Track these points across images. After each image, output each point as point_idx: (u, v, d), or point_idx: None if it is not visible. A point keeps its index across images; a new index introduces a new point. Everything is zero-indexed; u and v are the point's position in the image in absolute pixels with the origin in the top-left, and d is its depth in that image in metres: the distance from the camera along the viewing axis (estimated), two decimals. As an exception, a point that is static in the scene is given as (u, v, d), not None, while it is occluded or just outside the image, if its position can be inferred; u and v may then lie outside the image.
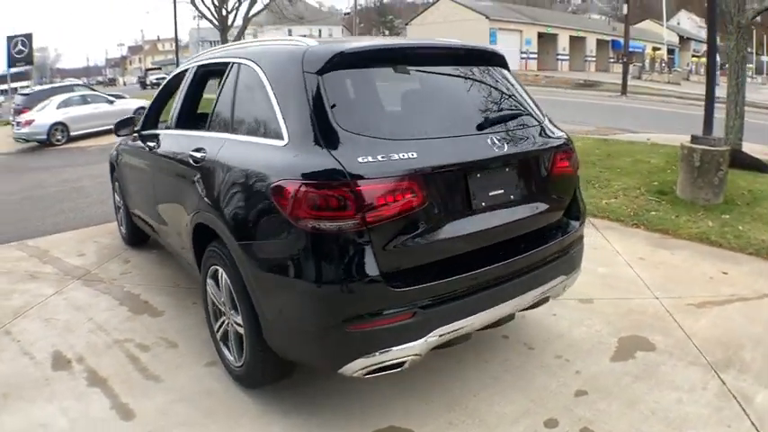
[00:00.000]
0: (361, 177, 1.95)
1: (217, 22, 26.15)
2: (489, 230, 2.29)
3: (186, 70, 3.49)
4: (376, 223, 1.96)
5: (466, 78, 2.53)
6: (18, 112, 14.64)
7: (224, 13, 26.03)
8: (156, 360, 2.88)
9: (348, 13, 49.86)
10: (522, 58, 36.50)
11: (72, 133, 13.89)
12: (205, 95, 3.64)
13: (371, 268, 1.97)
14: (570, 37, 40.32)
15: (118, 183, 4.61)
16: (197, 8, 26.11)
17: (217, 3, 26.23)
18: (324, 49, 2.26)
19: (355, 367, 2.03)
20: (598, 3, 55.99)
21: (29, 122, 13.51)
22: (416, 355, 2.08)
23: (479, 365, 2.74)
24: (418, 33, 36.57)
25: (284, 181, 2.03)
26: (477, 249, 2.27)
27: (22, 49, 21.58)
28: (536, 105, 2.72)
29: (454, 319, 2.13)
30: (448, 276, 2.11)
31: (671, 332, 3.03)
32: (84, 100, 14.67)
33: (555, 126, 2.72)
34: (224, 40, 26.21)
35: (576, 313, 3.26)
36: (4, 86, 21.88)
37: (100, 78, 68.31)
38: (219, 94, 2.81)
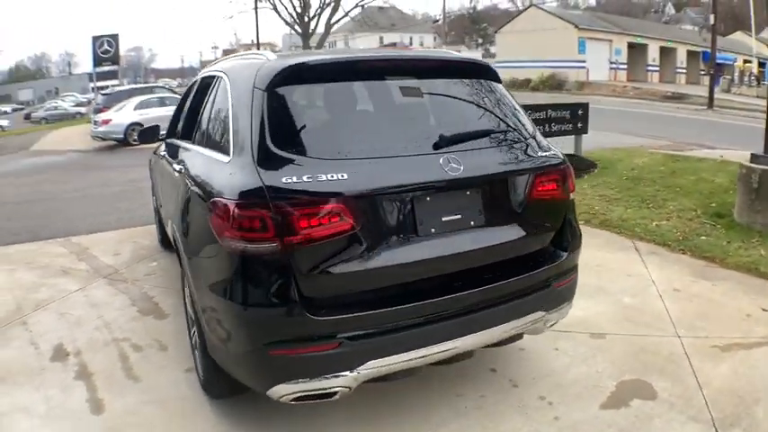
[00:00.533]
0: (282, 198, 1.87)
1: (299, 29, 26.96)
2: (439, 259, 2.10)
3: (196, 81, 3.58)
4: (298, 247, 1.88)
5: (433, 93, 2.38)
6: (98, 111, 15.45)
7: (306, 19, 26.78)
8: (143, 361, 2.97)
9: (437, 21, 49.81)
10: (612, 69, 34.97)
11: None
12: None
13: (292, 293, 1.89)
14: (660, 48, 38.12)
15: (153, 186, 4.87)
16: (279, 14, 27.04)
17: (299, 9, 26.98)
18: (277, 64, 2.19)
19: (280, 392, 1.96)
20: (692, 13, 52.49)
21: (106, 122, 14.25)
22: (346, 387, 1.97)
23: (449, 398, 2.57)
24: (507, 41, 36.01)
25: (217, 199, 2.01)
26: (422, 279, 2.11)
27: (108, 49, 22.57)
28: (524, 121, 2.50)
29: (391, 353, 1.99)
30: (381, 307, 1.97)
31: (681, 378, 2.70)
32: (161, 102, 15.13)
33: (543, 144, 2.47)
34: (305, 47, 27.02)
35: (582, 349, 2.99)
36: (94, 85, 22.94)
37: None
38: (203, 107, 2.86)
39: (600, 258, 4.28)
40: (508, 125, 2.44)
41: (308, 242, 1.88)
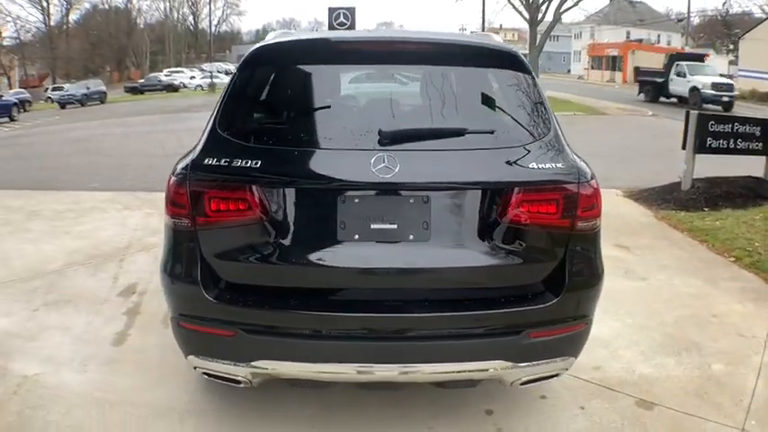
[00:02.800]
0: (198, 179, 1.92)
1: (526, 14, 26.15)
2: (359, 270, 1.92)
3: None
4: (205, 228, 1.92)
5: (411, 80, 2.15)
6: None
7: (534, 5, 25.80)
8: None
9: (681, 20, 45.25)
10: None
11: None
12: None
13: (195, 273, 1.94)
14: None
15: None
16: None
17: (527, -5, 25.97)
18: (256, 46, 2.20)
19: (193, 363, 2.07)
20: None
21: None
22: (245, 378, 1.97)
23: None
24: (751, 49, 30.75)
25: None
26: (337, 289, 1.96)
27: (343, 21, 23.60)
28: (536, 124, 2.05)
29: (290, 359, 1.90)
30: (283, 308, 1.89)
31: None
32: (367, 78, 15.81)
33: (556, 155, 1.98)
34: (532, 35, 26.24)
35: (613, 417, 2.42)
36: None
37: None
38: None
39: (719, 308, 3.47)
40: (505, 125, 2.05)
41: (215, 225, 1.93)
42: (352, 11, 22.13)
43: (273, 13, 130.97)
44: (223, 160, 1.92)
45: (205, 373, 2.09)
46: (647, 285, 3.82)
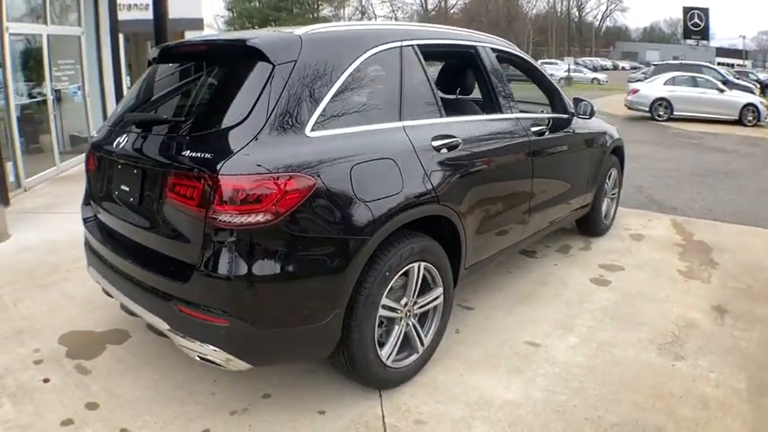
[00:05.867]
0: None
1: None
2: (114, 219, 2.47)
3: None
4: None
5: (198, 77, 2.41)
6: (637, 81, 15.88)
7: None
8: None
9: None
10: None
11: (675, 113, 14.17)
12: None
13: None
14: None
15: None
16: None
17: None
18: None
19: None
20: None
21: (634, 91, 14.85)
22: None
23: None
24: None
25: None
26: (112, 231, 2.52)
27: (697, 23, 21.66)
28: (246, 115, 1.98)
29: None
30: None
31: None
32: (692, 81, 14.61)
33: (222, 146, 1.94)
34: None
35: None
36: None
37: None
38: None
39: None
40: (214, 116, 2.10)
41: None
42: (705, 11, 20.53)
43: (662, 11, 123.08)
44: (93, 132, 2.91)
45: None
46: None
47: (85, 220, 2.81)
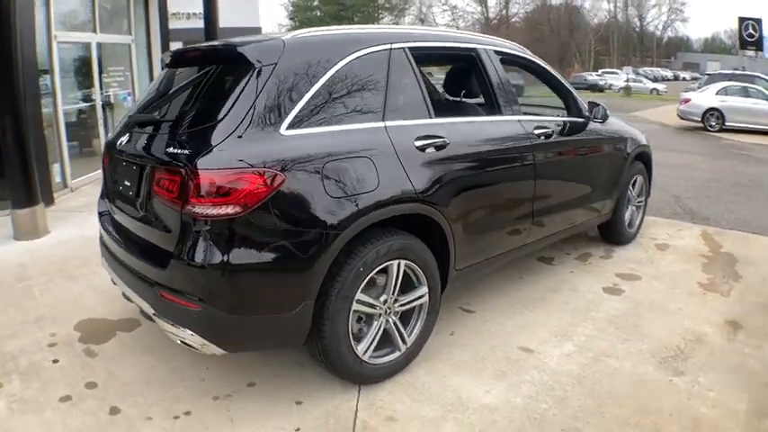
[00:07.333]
0: None
1: None
2: (119, 212, 2.61)
3: None
4: None
5: (194, 79, 2.44)
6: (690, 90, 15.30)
7: None
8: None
9: None
10: None
11: (727, 123, 13.59)
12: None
13: None
14: None
15: None
16: None
17: None
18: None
19: None
20: None
21: (686, 101, 14.34)
22: None
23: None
24: None
25: None
26: (117, 224, 2.67)
27: (752, 33, 20.83)
28: (225, 114, 2.10)
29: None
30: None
31: None
32: (744, 92, 14.00)
33: (199, 143, 2.06)
34: None
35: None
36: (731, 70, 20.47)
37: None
38: None
39: None
40: (201, 114, 2.25)
41: None
42: (759, 22, 20.15)
43: (723, 22, 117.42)
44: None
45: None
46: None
47: (100, 214, 3.01)
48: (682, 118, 14.70)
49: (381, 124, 2.51)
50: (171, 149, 2.16)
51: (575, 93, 3.93)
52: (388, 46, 2.64)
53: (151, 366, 2.73)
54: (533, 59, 3.73)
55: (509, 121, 3.21)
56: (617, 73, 41.27)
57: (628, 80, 34.33)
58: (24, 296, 3.55)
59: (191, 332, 2.15)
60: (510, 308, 3.45)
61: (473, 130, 3.01)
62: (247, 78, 2.18)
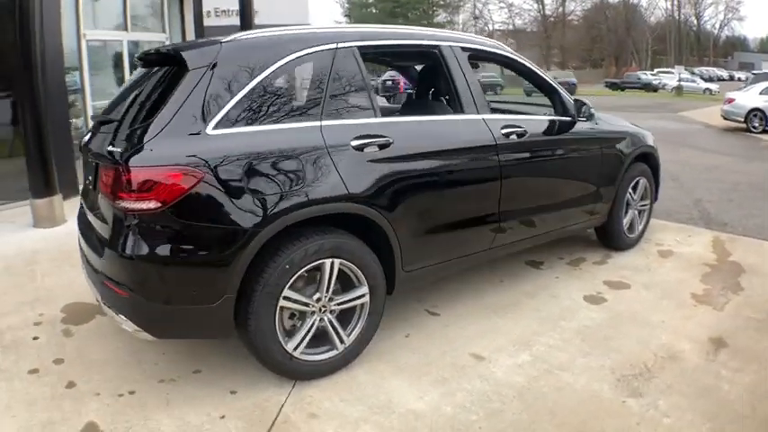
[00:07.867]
0: None
1: None
2: (86, 207, 2.73)
3: None
4: None
5: (148, 81, 2.54)
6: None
7: None
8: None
9: None
10: None
11: None
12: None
13: None
14: None
15: None
16: None
17: None
18: None
19: None
20: None
21: (730, 101, 13.48)
22: None
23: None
24: None
25: None
26: (86, 220, 2.71)
27: None
28: (157, 113, 2.16)
29: None
30: None
31: None
32: None
33: (141, 135, 2.14)
34: None
35: None
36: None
37: None
38: None
39: None
40: (149, 114, 2.24)
41: None
42: None
43: None
44: None
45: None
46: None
47: (80, 207, 3.09)
48: (725, 118, 13.91)
49: (317, 123, 2.46)
50: (111, 147, 2.26)
51: (561, 91, 3.70)
52: (333, 45, 2.60)
53: (116, 348, 2.84)
54: (512, 56, 3.54)
55: (469, 120, 3.04)
56: (672, 72, 39.99)
57: (680, 80, 33.28)
58: (29, 279, 3.74)
59: (124, 318, 2.26)
60: (478, 312, 3.29)
61: (422, 129, 2.89)
62: (182, 80, 2.24)
